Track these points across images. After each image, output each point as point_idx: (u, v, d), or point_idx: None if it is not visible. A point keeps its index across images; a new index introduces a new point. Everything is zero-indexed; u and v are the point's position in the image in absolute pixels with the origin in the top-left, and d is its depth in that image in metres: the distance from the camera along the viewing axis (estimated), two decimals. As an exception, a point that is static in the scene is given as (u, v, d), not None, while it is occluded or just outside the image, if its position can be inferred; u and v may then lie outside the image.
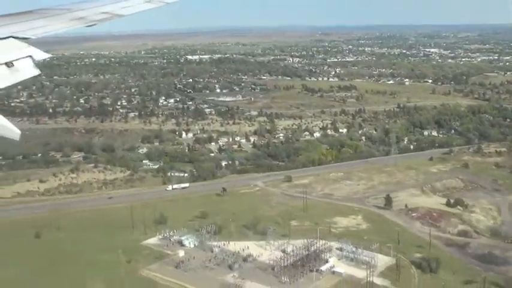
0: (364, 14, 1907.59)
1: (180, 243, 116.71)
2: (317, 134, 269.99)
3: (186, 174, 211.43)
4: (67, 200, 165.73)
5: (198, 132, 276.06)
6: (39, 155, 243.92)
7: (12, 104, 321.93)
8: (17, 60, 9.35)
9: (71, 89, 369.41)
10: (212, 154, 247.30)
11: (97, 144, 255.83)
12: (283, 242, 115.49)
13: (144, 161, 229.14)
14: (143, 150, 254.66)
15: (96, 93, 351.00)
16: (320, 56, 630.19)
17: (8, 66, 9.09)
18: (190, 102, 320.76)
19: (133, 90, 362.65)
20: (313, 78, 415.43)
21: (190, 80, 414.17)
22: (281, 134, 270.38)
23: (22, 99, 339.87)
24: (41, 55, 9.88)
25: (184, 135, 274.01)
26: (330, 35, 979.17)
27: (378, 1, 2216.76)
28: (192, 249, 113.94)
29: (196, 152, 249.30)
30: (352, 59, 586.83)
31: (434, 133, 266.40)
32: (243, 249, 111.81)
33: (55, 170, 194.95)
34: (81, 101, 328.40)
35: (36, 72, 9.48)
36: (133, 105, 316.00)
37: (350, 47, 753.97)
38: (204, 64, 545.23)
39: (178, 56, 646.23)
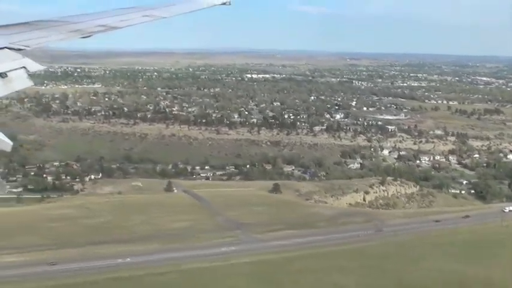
0: (384, 43, 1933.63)
1: None
2: (510, 156, 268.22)
3: (464, 192, 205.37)
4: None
5: (392, 149, 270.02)
6: (248, 166, 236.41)
7: (174, 112, 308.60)
8: (10, 71, 9.23)
9: (210, 100, 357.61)
10: (432, 172, 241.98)
11: (302, 157, 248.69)
12: None
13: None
14: (353, 165, 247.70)
15: (244, 106, 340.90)
16: (379, 80, 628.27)
17: (2, 77, 9.03)
18: (361, 119, 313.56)
19: (275, 104, 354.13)
20: (432, 101, 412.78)
21: (313, 97, 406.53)
22: (477, 155, 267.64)
23: (176, 107, 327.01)
24: (35, 67, 9.64)
25: (379, 151, 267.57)
26: (359, 60, 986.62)
27: (396, 30, 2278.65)
28: None
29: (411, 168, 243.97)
30: (416, 84, 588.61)
31: None
32: None
33: (365, 181, 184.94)
34: (246, 112, 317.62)
35: (29, 83, 9.27)
36: (306, 120, 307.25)
37: (395, 72, 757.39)
38: (280, 82, 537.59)
39: (237, 75, 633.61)
